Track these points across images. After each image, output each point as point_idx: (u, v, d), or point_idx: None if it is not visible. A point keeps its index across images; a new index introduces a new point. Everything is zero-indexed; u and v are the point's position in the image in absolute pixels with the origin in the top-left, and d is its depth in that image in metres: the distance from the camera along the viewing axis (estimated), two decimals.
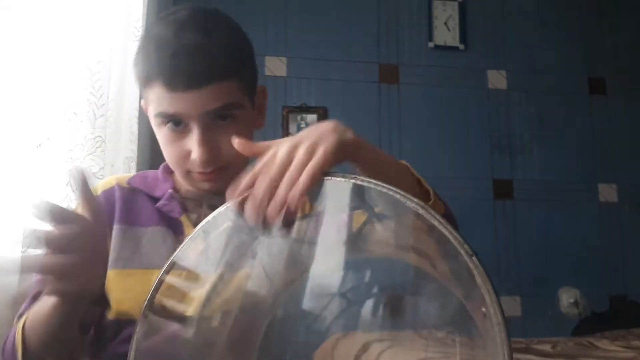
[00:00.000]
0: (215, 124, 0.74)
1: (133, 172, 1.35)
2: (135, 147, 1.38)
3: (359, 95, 2.13)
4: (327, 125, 0.55)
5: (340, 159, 0.53)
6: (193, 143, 0.73)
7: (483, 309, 0.38)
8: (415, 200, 0.43)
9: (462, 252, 0.39)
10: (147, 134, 1.51)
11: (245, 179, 0.51)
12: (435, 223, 0.42)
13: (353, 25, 2.18)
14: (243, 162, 0.77)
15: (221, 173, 0.76)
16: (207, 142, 0.73)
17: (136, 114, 1.40)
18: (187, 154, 0.75)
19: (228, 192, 0.52)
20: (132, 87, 1.42)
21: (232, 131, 0.72)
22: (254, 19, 2.04)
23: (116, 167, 1.34)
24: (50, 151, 1.21)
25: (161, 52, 0.72)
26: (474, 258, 0.39)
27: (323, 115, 2.05)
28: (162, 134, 0.76)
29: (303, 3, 2.14)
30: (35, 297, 0.75)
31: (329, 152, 0.51)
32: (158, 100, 0.73)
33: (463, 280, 0.40)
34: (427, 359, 0.51)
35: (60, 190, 1.21)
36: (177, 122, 0.74)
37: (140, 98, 0.85)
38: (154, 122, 0.77)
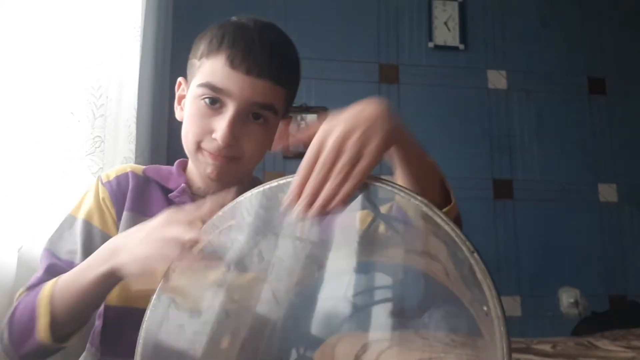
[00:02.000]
0: (248, 119, 0.77)
1: None
2: (133, 147, 1.38)
3: (359, 95, 2.09)
4: (377, 110, 0.56)
5: (386, 152, 0.53)
6: (222, 122, 0.75)
7: (485, 308, 0.38)
8: (420, 197, 0.44)
9: (464, 248, 0.40)
10: (146, 134, 1.51)
11: (297, 176, 0.52)
12: (439, 220, 0.42)
13: (353, 25, 2.18)
14: (252, 164, 0.82)
15: (229, 163, 0.78)
16: (235, 127, 0.75)
17: (135, 114, 1.40)
18: (210, 132, 0.77)
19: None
20: (131, 87, 1.42)
21: (259, 132, 0.78)
22: None
23: (115, 167, 1.34)
24: (48, 151, 1.21)
25: (240, 32, 0.76)
26: (475, 254, 0.40)
27: (323, 116, 2.05)
28: (194, 106, 0.78)
29: (303, 3, 2.14)
30: (50, 270, 0.77)
31: (380, 149, 0.51)
32: (212, 71, 0.75)
33: (466, 279, 0.40)
34: (427, 359, 0.51)
35: (57, 189, 1.20)
36: (214, 101, 0.76)
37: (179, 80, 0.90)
38: (192, 93, 0.79)
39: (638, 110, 2.31)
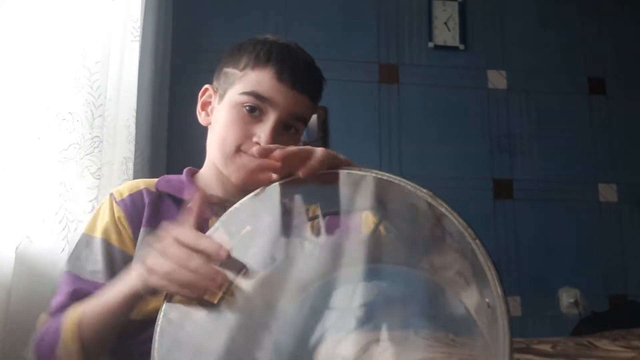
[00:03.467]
0: (282, 128, 0.84)
1: (130, 173, 1.35)
2: (132, 147, 1.38)
3: (359, 95, 2.12)
4: None
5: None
6: (264, 128, 0.81)
7: (487, 300, 0.39)
8: (425, 190, 0.45)
9: (466, 234, 0.42)
10: (145, 134, 1.50)
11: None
12: (443, 210, 0.44)
13: (353, 25, 2.18)
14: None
15: None
16: (275, 133, 0.82)
17: (134, 114, 1.40)
18: (250, 136, 0.82)
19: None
20: (131, 87, 1.42)
21: (290, 142, 0.83)
22: (254, 18, 2.04)
23: (114, 168, 1.34)
24: (47, 150, 1.20)
25: (286, 50, 0.85)
26: (477, 241, 0.42)
27: (323, 115, 2.05)
28: (234, 112, 0.83)
29: (303, 3, 2.14)
30: (74, 295, 0.77)
31: (327, 151, 0.54)
32: (258, 82, 0.82)
33: (467, 275, 0.41)
34: (427, 359, 0.51)
35: (55, 189, 1.20)
36: (253, 109, 0.82)
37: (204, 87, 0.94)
38: (232, 100, 0.84)
39: (638, 110, 2.31)
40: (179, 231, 0.59)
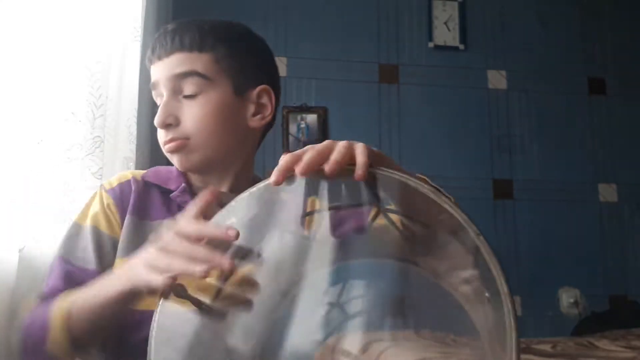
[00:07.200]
0: (182, 98, 0.81)
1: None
2: (133, 147, 1.38)
3: (359, 95, 2.13)
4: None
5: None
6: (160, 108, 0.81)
7: (487, 294, 0.39)
8: (427, 187, 0.45)
9: (470, 230, 0.42)
10: (146, 134, 1.51)
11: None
12: (446, 207, 0.43)
13: (353, 25, 2.18)
14: (209, 142, 0.82)
15: (182, 147, 0.81)
16: (167, 107, 0.80)
17: (135, 114, 1.40)
18: None
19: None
20: (132, 87, 1.42)
21: (195, 106, 0.80)
22: (254, 19, 2.04)
23: (115, 168, 1.34)
24: (48, 151, 1.21)
25: (159, 32, 0.84)
26: (480, 237, 0.42)
27: (323, 115, 2.05)
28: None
29: (303, 3, 2.14)
30: (67, 277, 0.77)
31: (367, 146, 0.52)
32: (151, 78, 0.84)
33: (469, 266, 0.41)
34: (427, 359, 0.51)
35: (57, 189, 1.20)
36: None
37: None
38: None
39: (638, 110, 2.31)
40: (180, 225, 0.57)
